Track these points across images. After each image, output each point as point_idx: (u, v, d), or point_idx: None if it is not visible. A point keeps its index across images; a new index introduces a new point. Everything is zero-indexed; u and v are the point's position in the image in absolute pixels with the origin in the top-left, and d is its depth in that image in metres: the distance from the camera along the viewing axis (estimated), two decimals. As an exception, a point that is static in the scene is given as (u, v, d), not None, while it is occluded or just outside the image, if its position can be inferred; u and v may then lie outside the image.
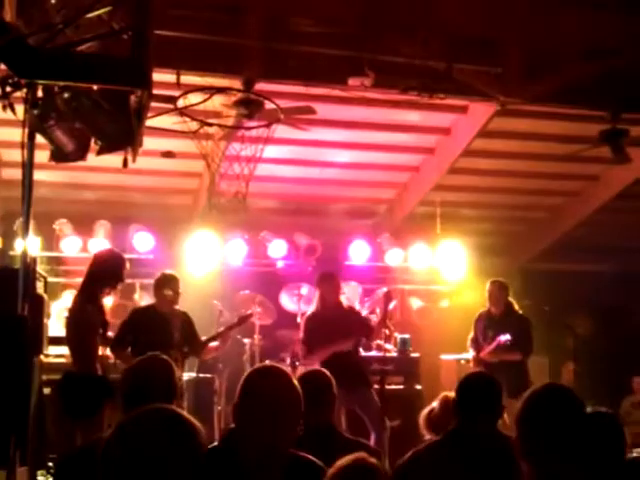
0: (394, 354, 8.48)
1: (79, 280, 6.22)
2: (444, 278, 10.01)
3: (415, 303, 10.17)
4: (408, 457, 3.61)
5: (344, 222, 10.33)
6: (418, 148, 9.26)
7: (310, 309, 7.23)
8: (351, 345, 6.94)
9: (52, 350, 7.12)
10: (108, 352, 6.29)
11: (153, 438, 1.90)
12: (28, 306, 3.74)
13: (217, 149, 7.33)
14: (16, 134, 3.82)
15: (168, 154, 7.87)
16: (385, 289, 8.23)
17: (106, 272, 5.92)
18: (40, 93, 3.74)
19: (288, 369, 2.74)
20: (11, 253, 7.73)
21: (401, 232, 10.14)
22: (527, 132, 8.60)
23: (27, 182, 3.77)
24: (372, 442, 6.11)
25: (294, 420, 2.56)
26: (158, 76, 4.48)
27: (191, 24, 6.04)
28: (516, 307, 7.85)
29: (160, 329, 6.41)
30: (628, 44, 6.71)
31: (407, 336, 8.81)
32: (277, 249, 9.48)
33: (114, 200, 9.55)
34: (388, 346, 8.05)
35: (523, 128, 8.48)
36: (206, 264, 9.05)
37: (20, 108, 3.75)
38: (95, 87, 3.75)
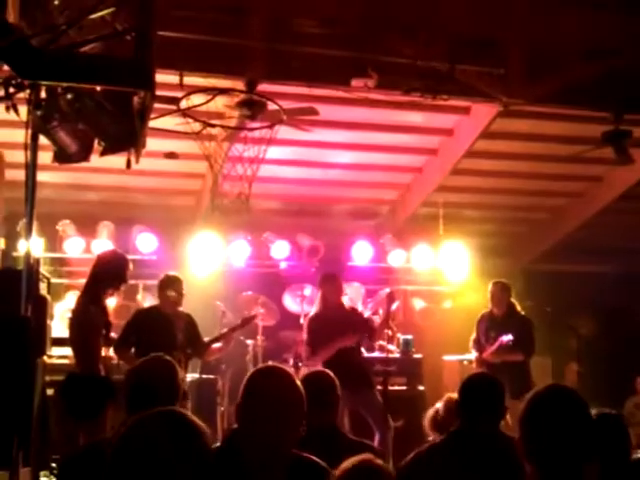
0: (397, 355, 8.49)
1: (82, 281, 6.20)
2: (447, 279, 9.99)
3: (418, 304, 10.15)
4: (411, 458, 3.61)
5: (347, 223, 10.32)
6: (421, 149, 9.25)
7: (312, 310, 7.23)
8: (354, 341, 6.92)
9: (55, 351, 7.14)
10: (111, 353, 6.28)
11: (159, 440, 1.91)
12: (31, 307, 3.75)
13: (220, 150, 7.32)
14: (19, 135, 3.84)
15: (171, 155, 7.86)
16: (388, 290, 8.22)
17: (109, 273, 5.91)
18: (43, 94, 3.75)
19: (291, 370, 2.74)
20: (14, 254, 7.76)
21: (404, 233, 10.13)
22: (530, 133, 8.58)
23: (30, 183, 3.78)
24: (376, 443, 6.10)
25: (297, 421, 2.56)
26: (161, 77, 4.50)
27: (194, 25, 6.04)
28: (518, 308, 7.85)
29: (163, 330, 6.41)
30: (628, 44, 6.71)
31: (410, 337, 8.80)
32: (280, 250, 9.47)
33: (117, 201, 9.55)
34: (391, 347, 8.06)
35: (526, 129, 8.46)
36: (209, 265, 9.05)
37: (23, 109, 3.75)
38: (98, 88, 3.75)
